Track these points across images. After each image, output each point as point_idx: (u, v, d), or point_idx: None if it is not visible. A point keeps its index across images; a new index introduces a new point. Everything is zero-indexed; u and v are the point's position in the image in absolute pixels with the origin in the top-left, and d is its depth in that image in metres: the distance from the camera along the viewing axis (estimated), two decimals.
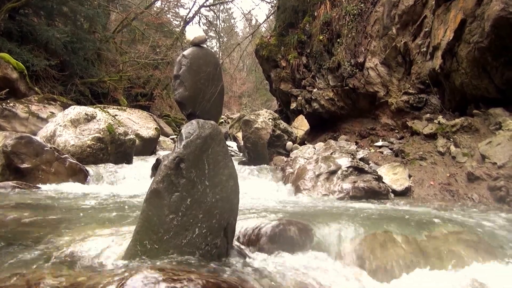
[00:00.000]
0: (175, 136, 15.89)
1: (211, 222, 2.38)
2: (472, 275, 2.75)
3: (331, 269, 2.60)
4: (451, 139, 6.94)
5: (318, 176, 6.20)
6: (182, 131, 2.41)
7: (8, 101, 11.38)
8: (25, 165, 6.06)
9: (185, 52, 2.51)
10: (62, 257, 2.34)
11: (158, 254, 2.23)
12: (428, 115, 8.32)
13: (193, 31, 2.56)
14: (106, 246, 2.53)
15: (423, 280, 2.71)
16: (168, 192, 2.29)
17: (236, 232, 2.77)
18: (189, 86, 2.48)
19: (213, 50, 34.75)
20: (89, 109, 8.75)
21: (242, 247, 2.75)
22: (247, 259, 2.52)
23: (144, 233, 2.27)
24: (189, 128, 2.41)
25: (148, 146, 11.54)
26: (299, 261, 2.62)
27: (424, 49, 8.28)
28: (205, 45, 2.61)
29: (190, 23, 25.76)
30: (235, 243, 2.75)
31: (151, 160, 8.88)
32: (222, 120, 23.81)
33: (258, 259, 2.57)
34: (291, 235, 2.89)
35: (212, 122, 2.51)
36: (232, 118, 22.08)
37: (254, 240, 2.81)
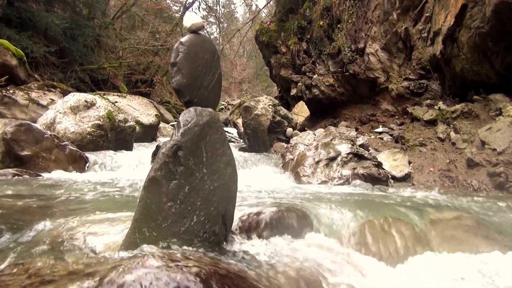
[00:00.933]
0: (175, 123, 15.90)
1: (209, 209, 2.38)
2: (473, 260, 2.78)
3: (330, 255, 2.61)
4: (451, 125, 6.93)
5: (317, 162, 6.20)
6: (179, 119, 2.40)
7: (8, 88, 11.37)
8: (25, 153, 6.07)
9: (183, 39, 2.49)
10: (61, 245, 2.35)
11: (156, 241, 2.24)
12: (428, 101, 8.30)
13: (191, 18, 2.54)
14: (105, 233, 2.54)
15: (425, 265, 2.73)
16: (166, 180, 2.29)
17: (235, 219, 2.78)
18: (187, 73, 2.46)
19: (213, 36, 34.63)
20: (88, 96, 8.74)
21: (241, 234, 2.76)
22: (246, 246, 2.53)
23: (142, 220, 2.28)
24: (187, 115, 2.41)
25: (148, 133, 11.55)
26: (298, 247, 2.63)
27: (425, 34, 8.22)
28: (203, 32, 2.59)
29: (190, 9, 25.60)
30: (234, 230, 2.77)
31: (151, 146, 8.90)
32: (223, 106, 23.80)
33: (256, 246, 2.58)
34: (290, 221, 2.91)
35: (210, 109, 2.51)
36: (232, 104, 22.06)
37: (253, 227, 2.82)
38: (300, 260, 2.41)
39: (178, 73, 2.46)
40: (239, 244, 2.54)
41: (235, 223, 2.82)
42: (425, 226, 3.13)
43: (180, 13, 25.69)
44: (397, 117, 9.52)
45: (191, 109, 2.44)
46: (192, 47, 2.50)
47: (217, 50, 2.70)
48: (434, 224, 3.19)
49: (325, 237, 2.89)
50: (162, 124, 13.63)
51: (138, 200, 2.34)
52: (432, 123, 7.57)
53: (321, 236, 2.89)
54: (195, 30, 2.54)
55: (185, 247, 2.23)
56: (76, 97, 8.47)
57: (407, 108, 8.70)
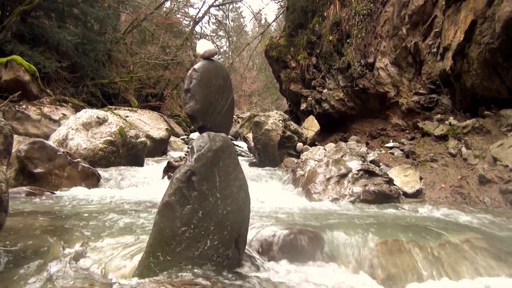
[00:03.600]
0: (185, 137, 15.96)
1: (222, 233, 2.41)
2: (485, 284, 2.76)
3: (341, 279, 2.62)
4: (462, 141, 6.90)
5: (328, 179, 6.20)
6: (193, 144, 2.44)
7: (21, 103, 11.53)
8: (38, 170, 6.14)
9: (196, 66, 2.54)
10: (75, 271, 2.38)
11: (170, 266, 2.26)
12: (439, 116, 8.28)
13: (203, 45, 2.58)
14: (119, 257, 2.57)
15: None
16: (180, 205, 2.32)
17: (248, 240, 2.80)
18: (200, 99, 2.51)
19: (222, 49, 34.85)
20: (100, 113, 8.83)
21: (254, 256, 2.77)
22: (258, 270, 2.55)
23: (157, 245, 2.31)
24: (200, 141, 2.44)
25: (159, 147, 11.63)
26: (310, 271, 2.64)
27: (435, 49, 8.23)
28: (215, 58, 2.63)
29: (200, 23, 25.86)
30: (247, 252, 2.78)
31: (163, 161, 8.95)
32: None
33: (269, 269, 2.60)
34: (302, 244, 2.92)
35: (223, 134, 2.54)
36: (242, 117, 22.11)
37: (265, 250, 2.84)
38: (310, 285, 2.42)
39: (192, 99, 2.50)
40: (252, 268, 2.55)
41: (249, 243, 2.84)
42: (437, 248, 3.12)
43: (190, 28, 25.96)
44: (407, 131, 9.50)
45: (205, 134, 2.48)
46: (205, 73, 2.54)
47: (229, 76, 2.74)
48: (446, 246, 3.17)
49: (336, 259, 2.89)
50: (172, 138, 13.69)
51: (152, 223, 2.36)
52: (443, 138, 7.54)
53: (332, 259, 2.90)
54: (208, 57, 2.58)
55: (198, 272, 2.25)
56: (88, 114, 8.57)
57: (418, 123, 8.68)
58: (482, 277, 2.89)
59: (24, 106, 11.24)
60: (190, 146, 2.49)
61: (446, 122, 7.67)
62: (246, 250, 2.74)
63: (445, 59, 7.78)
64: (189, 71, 2.53)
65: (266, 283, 2.38)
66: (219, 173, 2.46)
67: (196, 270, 2.26)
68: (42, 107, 11.66)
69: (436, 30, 8.17)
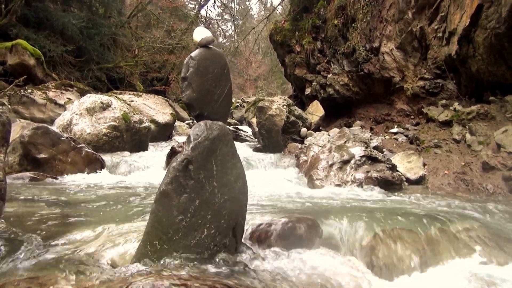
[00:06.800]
0: (190, 121, 15.96)
1: (219, 222, 2.42)
2: (483, 272, 2.76)
3: (339, 267, 2.62)
4: (467, 127, 6.86)
5: (331, 165, 6.20)
6: (190, 133, 2.44)
7: (26, 87, 11.55)
8: (42, 155, 6.18)
9: (193, 54, 2.52)
10: (75, 258, 2.40)
11: (167, 254, 2.27)
12: (444, 101, 8.21)
13: (200, 32, 2.56)
14: (118, 245, 2.59)
15: (434, 278, 2.72)
16: (177, 194, 2.32)
17: (246, 228, 2.81)
18: (197, 87, 2.49)
19: (228, 33, 34.62)
20: (104, 98, 8.86)
21: (252, 245, 2.78)
22: (256, 259, 2.55)
23: (153, 233, 2.32)
24: (197, 129, 2.44)
25: (164, 132, 11.66)
26: (308, 259, 2.64)
27: (440, 34, 8.13)
28: (212, 46, 2.61)
29: (205, 6, 25.68)
30: (245, 240, 2.79)
31: (167, 146, 8.97)
32: (238, 104, 23.79)
33: (267, 258, 2.60)
34: (300, 232, 2.91)
35: (220, 123, 2.53)
36: (247, 102, 22.06)
37: (263, 238, 2.84)
38: (308, 274, 2.42)
39: (189, 87, 2.49)
40: (249, 256, 2.56)
41: (247, 232, 2.85)
42: (436, 236, 3.11)
43: (195, 11, 25.79)
44: (412, 117, 9.44)
45: (202, 123, 2.47)
46: (202, 61, 2.53)
47: (227, 63, 2.72)
48: (445, 234, 3.17)
49: (334, 247, 2.90)
50: (177, 123, 13.71)
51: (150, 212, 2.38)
52: (447, 124, 7.49)
53: (330, 246, 2.90)
54: (205, 44, 2.56)
55: (195, 260, 2.26)
56: (92, 99, 8.59)
57: (423, 108, 8.63)
58: (482, 265, 2.89)
59: (29, 91, 11.27)
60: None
61: (451, 107, 7.62)
62: (244, 238, 2.75)
63: (450, 43, 7.70)
64: (186, 59, 2.51)
65: (263, 271, 2.39)
66: (216, 161, 2.46)
67: (192, 259, 2.27)
68: (47, 92, 11.69)
69: (442, 14, 8.06)
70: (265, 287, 2.18)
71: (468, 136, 6.71)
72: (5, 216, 2.92)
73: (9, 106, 10.27)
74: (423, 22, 8.61)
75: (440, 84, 8.63)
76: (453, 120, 7.31)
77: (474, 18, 6.76)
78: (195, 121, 2.59)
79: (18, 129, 6.83)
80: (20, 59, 12.57)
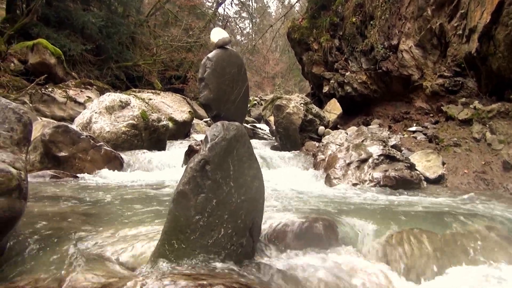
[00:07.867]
0: (208, 119, 16.01)
1: (236, 222, 2.43)
2: (503, 275, 2.72)
3: (358, 268, 2.61)
4: (487, 125, 6.76)
5: (348, 164, 6.17)
6: (207, 133, 2.46)
7: (47, 86, 11.75)
8: (62, 154, 6.27)
9: (210, 55, 2.54)
10: (94, 255, 2.44)
11: (185, 253, 2.30)
12: (464, 99, 8.10)
13: (217, 33, 2.58)
14: (136, 244, 2.62)
15: (454, 280, 2.69)
16: (194, 194, 2.34)
17: (263, 227, 2.82)
18: (214, 88, 2.51)
19: (245, 31, 34.63)
20: (123, 96, 8.94)
21: (268, 244, 2.79)
22: (272, 259, 2.57)
23: (171, 233, 2.34)
24: (214, 130, 2.45)
25: (182, 130, 11.72)
26: (325, 259, 2.64)
27: (460, 31, 8.02)
28: (229, 47, 2.63)
29: (223, 4, 25.72)
30: (262, 240, 2.80)
31: (185, 144, 9.03)
32: (255, 101, 23.79)
33: (283, 258, 2.62)
34: (317, 232, 2.92)
35: (237, 123, 2.54)
36: (265, 99, 22.05)
37: (280, 238, 2.85)
38: (325, 274, 2.42)
39: (206, 88, 2.51)
40: (266, 256, 2.58)
41: (264, 231, 2.86)
42: (456, 237, 3.07)
43: (213, 9, 25.86)
44: (431, 115, 9.33)
45: (219, 123, 2.49)
46: (219, 62, 2.54)
47: (244, 64, 2.74)
48: (466, 235, 3.13)
49: (352, 249, 2.88)
50: (195, 121, 13.75)
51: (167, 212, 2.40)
52: (467, 122, 7.39)
53: (348, 248, 2.89)
54: (222, 45, 2.58)
55: (212, 260, 2.28)
56: (111, 97, 8.69)
57: (442, 106, 8.52)
58: (504, 265, 2.84)
59: (50, 89, 11.46)
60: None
61: (471, 106, 7.52)
62: (260, 239, 2.76)
63: (470, 41, 7.59)
64: (203, 60, 2.53)
65: (279, 273, 2.40)
66: (233, 162, 2.47)
67: (210, 258, 2.30)
68: (67, 90, 11.87)
69: (462, 11, 7.94)
70: (282, 287, 2.19)
71: (488, 134, 6.61)
72: (27, 215, 2.97)
73: (30, 105, 10.46)
74: (443, 19, 8.49)
75: (460, 82, 8.51)
76: (473, 118, 7.20)
77: (495, 15, 6.66)
78: (212, 121, 2.60)
79: (39, 128, 6.94)
80: (41, 58, 12.78)
